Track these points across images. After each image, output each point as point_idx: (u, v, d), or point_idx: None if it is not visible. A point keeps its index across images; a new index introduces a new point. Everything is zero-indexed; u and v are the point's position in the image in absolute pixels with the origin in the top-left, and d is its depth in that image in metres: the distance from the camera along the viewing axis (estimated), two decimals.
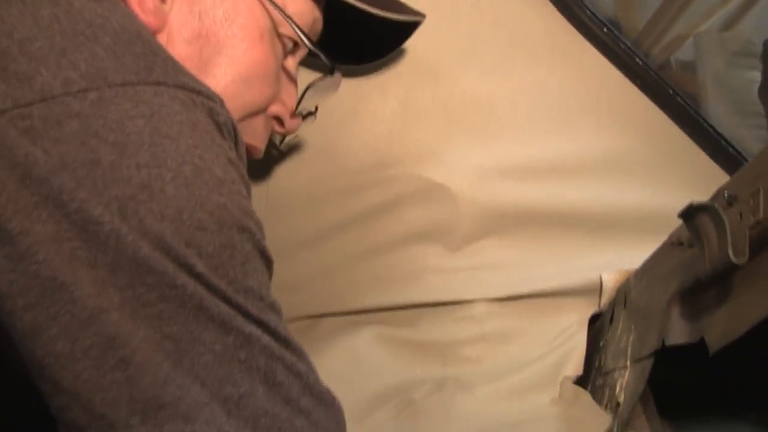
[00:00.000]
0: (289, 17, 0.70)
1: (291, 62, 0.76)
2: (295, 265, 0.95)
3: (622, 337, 0.78)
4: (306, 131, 0.89)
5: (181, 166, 0.47)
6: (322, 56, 0.73)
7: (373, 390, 0.83)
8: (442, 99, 0.94)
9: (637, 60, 0.92)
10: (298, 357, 0.51)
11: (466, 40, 0.94)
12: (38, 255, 0.44)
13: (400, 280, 0.93)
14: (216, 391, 0.46)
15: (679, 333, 0.66)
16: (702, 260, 0.59)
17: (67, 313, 0.44)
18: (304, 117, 0.82)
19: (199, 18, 0.65)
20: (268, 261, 0.53)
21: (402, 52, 0.93)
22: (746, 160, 0.89)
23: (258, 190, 0.95)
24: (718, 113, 1.03)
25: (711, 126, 0.93)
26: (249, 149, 0.74)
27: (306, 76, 0.77)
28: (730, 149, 0.91)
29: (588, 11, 0.92)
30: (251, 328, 0.48)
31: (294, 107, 0.76)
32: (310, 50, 0.74)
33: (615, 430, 0.73)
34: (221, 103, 0.53)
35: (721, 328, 0.59)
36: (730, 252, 0.55)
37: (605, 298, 0.87)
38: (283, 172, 0.96)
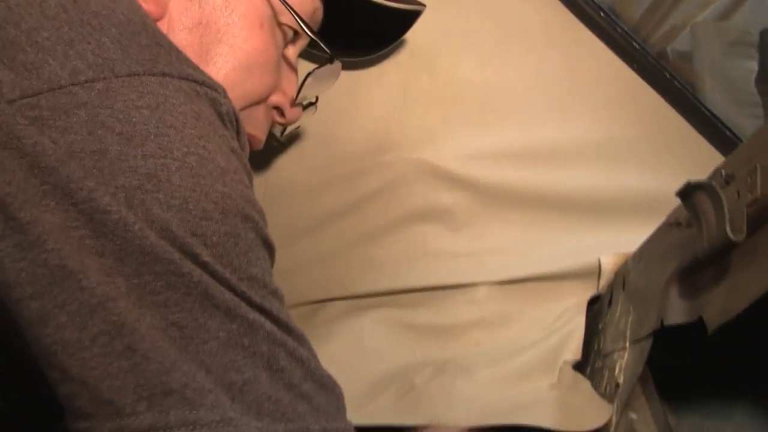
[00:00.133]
0: (289, 6, 0.70)
1: (291, 51, 0.76)
2: (295, 252, 0.96)
3: (621, 319, 0.79)
4: (303, 118, 0.89)
5: (186, 156, 0.48)
6: (322, 45, 0.73)
7: (375, 374, 0.84)
8: (439, 85, 0.95)
9: (635, 44, 0.92)
10: (300, 343, 0.52)
11: (463, 26, 0.94)
12: (47, 244, 0.45)
13: (399, 264, 0.93)
14: (220, 377, 0.47)
15: (677, 313, 0.66)
16: (700, 239, 0.59)
17: (75, 301, 0.45)
18: (305, 107, 0.82)
19: (199, 6, 0.65)
20: (270, 249, 0.54)
21: (399, 39, 0.93)
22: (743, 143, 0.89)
23: (257, 179, 0.95)
24: (716, 103, 1.03)
25: (708, 110, 0.93)
26: (250, 140, 0.74)
27: (306, 67, 0.77)
28: (727, 132, 0.91)
29: None
30: (254, 316, 0.49)
31: (294, 96, 0.77)
32: (310, 40, 0.74)
33: (615, 411, 0.73)
34: (224, 93, 0.53)
35: (719, 306, 0.59)
36: (728, 230, 0.55)
37: (604, 281, 0.87)
38: (281, 159, 0.96)
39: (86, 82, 0.47)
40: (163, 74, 0.50)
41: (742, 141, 0.90)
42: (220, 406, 0.46)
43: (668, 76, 0.92)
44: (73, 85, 0.47)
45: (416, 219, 0.94)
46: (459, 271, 0.91)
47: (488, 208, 0.92)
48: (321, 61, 0.76)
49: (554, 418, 0.74)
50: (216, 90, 0.52)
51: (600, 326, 0.85)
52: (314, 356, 0.53)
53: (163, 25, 0.64)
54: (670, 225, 0.71)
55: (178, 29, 0.64)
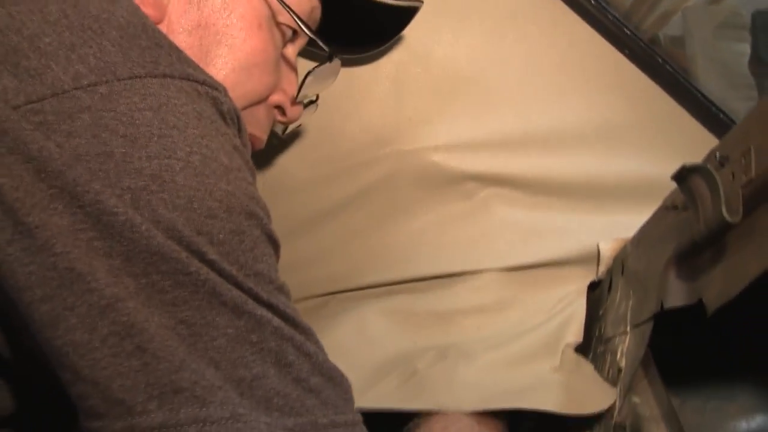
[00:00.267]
0: (286, 5, 0.70)
1: (291, 51, 0.76)
2: (297, 246, 0.96)
3: (621, 304, 0.79)
4: (302, 115, 0.90)
5: (190, 156, 0.48)
6: (321, 43, 0.74)
7: (378, 360, 0.84)
8: (432, 77, 0.95)
9: (626, 30, 0.93)
10: (307, 337, 0.52)
11: (455, 17, 0.94)
12: (56, 247, 0.45)
13: (400, 255, 0.94)
14: (229, 373, 0.47)
15: (676, 295, 0.67)
16: (696, 221, 0.60)
17: (85, 303, 0.45)
18: (306, 105, 0.82)
19: (198, 8, 0.65)
20: (275, 245, 0.54)
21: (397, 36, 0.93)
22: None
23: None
24: (710, 87, 1.03)
25: (701, 93, 0.94)
26: (251, 140, 0.74)
27: (306, 66, 0.77)
28: (721, 115, 0.92)
29: None
30: (262, 311, 0.49)
31: (295, 95, 0.77)
32: (309, 38, 0.74)
33: (618, 395, 0.74)
34: (225, 92, 0.54)
35: (718, 287, 0.60)
36: (724, 211, 0.56)
37: (603, 267, 0.88)
38: (278, 155, 0.97)
39: (89, 86, 0.47)
40: (165, 75, 0.50)
41: (735, 123, 0.91)
42: (230, 403, 0.46)
43: (660, 60, 0.93)
44: (76, 89, 0.47)
45: (414, 211, 0.94)
46: (460, 259, 0.92)
47: (486, 196, 0.93)
48: (321, 60, 0.76)
49: (557, 402, 0.75)
50: (217, 89, 0.53)
51: (600, 312, 0.86)
52: (322, 350, 0.53)
53: (162, 28, 0.64)
54: (667, 209, 0.72)
55: (178, 32, 0.65)
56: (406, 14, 0.87)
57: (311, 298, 0.97)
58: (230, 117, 0.54)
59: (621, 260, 0.84)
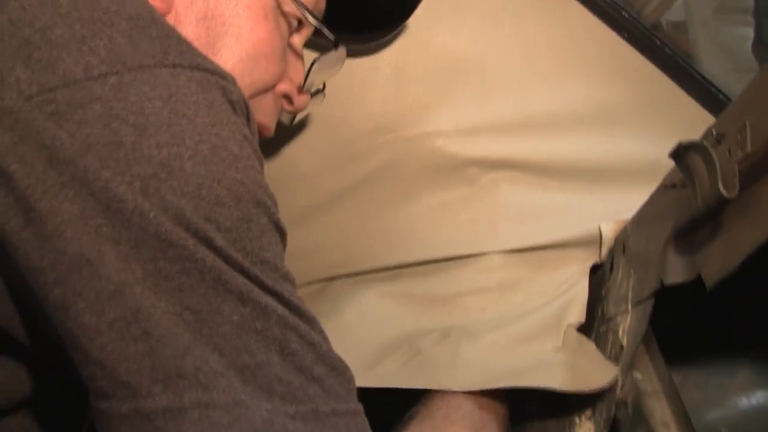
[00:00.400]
0: None
1: (297, 40, 0.77)
2: (300, 234, 0.97)
3: (623, 284, 0.80)
4: None
5: (199, 145, 0.49)
6: (326, 32, 0.74)
7: (381, 340, 0.85)
8: (432, 63, 0.96)
9: (624, 14, 0.94)
10: (311, 326, 0.52)
11: (454, 5, 0.95)
12: (66, 233, 0.46)
13: (403, 240, 0.95)
14: (233, 360, 0.48)
15: (676, 272, 0.68)
16: (694, 198, 0.61)
17: (93, 288, 0.46)
18: (313, 94, 0.83)
19: None
20: (282, 233, 0.54)
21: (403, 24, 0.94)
22: None
23: None
24: (713, 71, 1.04)
25: (700, 74, 0.95)
26: (260, 128, 0.75)
27: (311, 57, 0.78)
28: (720, 96, 0.92)
29: None
30: (267, 299, 0.50)
31: (302, 84, 0.78)
32: (315, 28, 0.75)
33: (620, 372, 0.75)
34: (233, 81, 0.54)
35: (716, 262, 0.61)
36: (721, 186, 0.57)
37: (605, 249, 0.89)
38: (280, 145, 0.98)
39: (100, 76, 0.48)
40: (174, 65, 0.51)
41: None
42: (232, 389, 0.47)
43: (659, 42, 0.94)
44: (87, 80, 0.48)
45: (416, 197, 0.95)
46: (462, 243, 0.93)
47: (487, 179, 0.94)
48: (327, 49, 0.77)
49: (560, 380, 0.75)
50: (225, 78, 0.53)
51: (603, 292, 0.87)
52: (325, 339, 0.54)
53: (169, 20, 0.65)
54: (666, 187, 0.73)
55: (185, 23, 0.65)
56: (410, 2, 0.88)
57: (314, 283, 0.98)
58: (239, 106, 0.54)
59: (622, 241, 0.85)
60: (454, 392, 0.76)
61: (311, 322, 0.53)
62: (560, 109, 0.95)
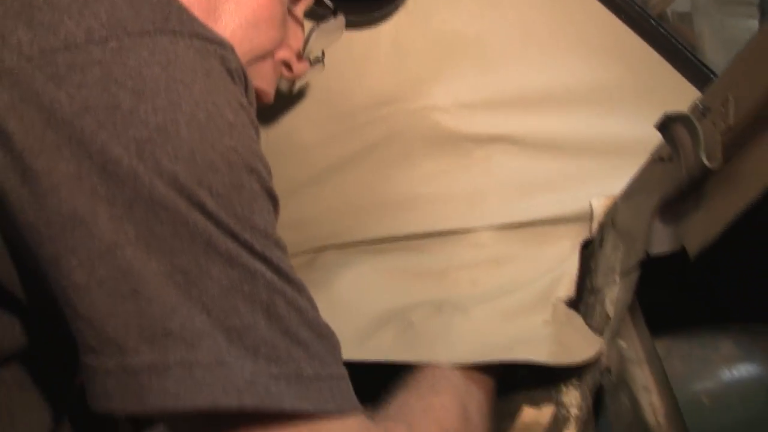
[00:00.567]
0: None
1: (298, 7, 0.78)
2: (295, 204, 0.99)
3: (611, 256, 0.82)
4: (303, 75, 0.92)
5: (195, 111, 0.50)
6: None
7: (373, 314, 0.86)
8: (431, 38, 0.97)
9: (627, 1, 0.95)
10: (299, 292, 0.53)
11: None
12: (61, 192, 0.47)
13: (397, 213, 0.97)
14: (221, 321, 0.49)
15: (661, 243, 0.70)
16: (679, 169, 0.63)
17: (85, 246, 0.48)
18: (312, 63, 0.85)
19: None
20: (274, 201, 0.55)
21: None
22: None
23: None
24: (718, 63, 1.05)
25: (694, 55, 0.96)
26: (259, 94, 0.76)
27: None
28: (712, 76, 0.94)
29: None
30: (256, 264, 0.51)
31: (301, 50, 0.79)
32: None
33: (606, 341, 0.77)
34: (232, 50, 0.55)
35: (698, 232, 0.63)
36: (704, 157, 0.59)
37: (596, 224, 0.90)
38: (278, 117, 0.99)
39: (100, 40, 0.49)
40: (174, 32, 0.52)
41: None
42: (217, 349, 0.48)
43: (653, 23, 0.95)
44: (88, 43, 0.49)
45: (414, 169, 0.97)
46: (455, 217, 0.95)
47: (482, 154, 0.95)
48: (326, 18, 0.78)
49: (548, 353, 0.77)
50: (224, 47, 0.54)
51: (592, 266, 0.88)
52: (313, 305, 0.55)
53: None
54: (654, 161, 0.75)
55: None
56: None
57: (305, 254, 1.00)
58: (237, 75, 0.55)
59: (611, 215, 0.86)
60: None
61: (299, 288, 0.54)
62: (557, 87, 0.96)
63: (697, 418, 0.75)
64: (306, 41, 0.78)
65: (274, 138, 0.99)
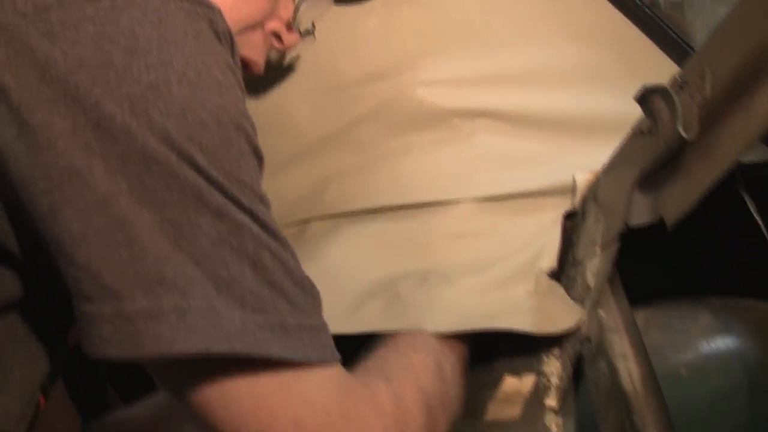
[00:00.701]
0: None
1: None
2: (284, 176, 1.01)
3: (593, 229, 0.83)
4: (292, 50, 0.93)
5: (186, 69, 0.52)
6: None
7: (361, 286, 0.88)
8: (419, 16, 0.99)
9: None
10: (283, 246, 0.55)
11: None
12: (57, 146, 0.49)
13: (382, 184, 0.98)
14: (210, 271, 0.51)
15: (640, 214, 0.71)
16: (657, 140, 0.64)
17: (82, 197, 0.49)
18: (303, 35, 0.86)
19: None
20: (260, 158, 0.57)
21: None
22: None
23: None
24: None
25: (677, 35, 0.97)
26: (249, 64, 0.78)
27: None
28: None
29: None
30: (243, 218, 0.53)
31: (291, 21, 0.80)
32: None
33: (586, 311, 0.78)
34: (219, 13, 0.56)
35: (676, 202, 0.64)
36: (680, 128, 0.60)
37: (578, 197, 0.91)
38: (267, 90, 1.00)
39: None
40: None
41: None
42: (208, 296, 0.50)
43: (639, 2, 0.96)
44: (81, 0, 0.50)
45: (399, 143, 0.98)
46: (440, 189, 0.96)
47: (469, 129, 0.97)
48: None
49: (530, 322, 0.78)
50: (212, 10, 0.56)
51: (574, 239, 0.90)
52: (295, 260, 0.56)
53: None
54: (635, 134, 0.76)
55: None
56: None
57: (296, 224, 1.02)
58: (224, 37, 0.56)
59: (594, 189, 0.88)
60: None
61: (283, 243, 0.56)
62: (541, 66, 0.98)
63: (675, 388, 0.77)
64: (296, 12, 0.79)
65: (263, 112, 1.00)
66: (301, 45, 0.85)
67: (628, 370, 0.70)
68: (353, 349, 0.66)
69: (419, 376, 0.66)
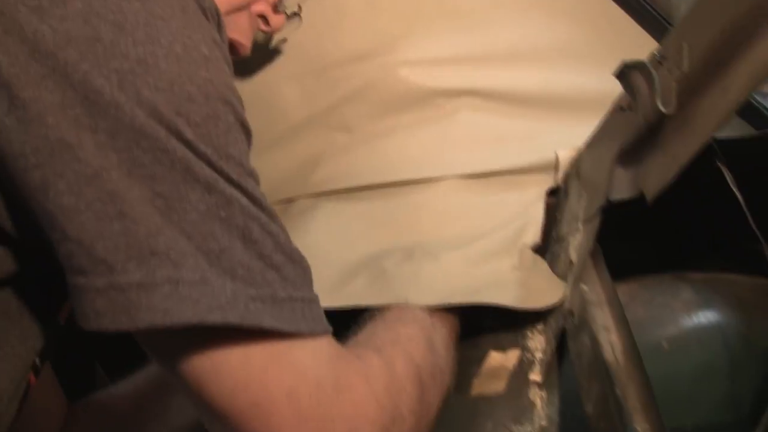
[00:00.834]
0: None
1: None
2: (269, 156, 1.01)
3: (575, 205, 0.84)
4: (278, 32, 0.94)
5: (173, 44, 0.52)
6: None
7: (347, 262, 0.89)
8: None
9: None
10: (273, 220, 0.56)
11: None
12: (47, 120, 0.50)
13: (368, 163, 0.99)
14: (200, 244, 0.52)
15: (621, 188, 0.72)
16: (637, 115, 0.65)
17: (73, 170, 0.50)
18: (289, 17, 0.86)
19: None
20: (247, 132, 0.58)
21: None
22: None
23: None
24: None
25: (660, 14, 0.98)
26: (236, 46, 0.78)
27: None
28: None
29: None
30: (231, 191, 0.53)
31: (276, 3, 0.80)
32: None
33: (569, 285, 0.79)
34: None
35: (656, 176, 0.65)
36: (659, 103, 0.61)
37: (561, 173, 0.92)
38: (253, 72, 1.01)
39: None
40: None
41: None
42: (200, 268, 0.51)
43: None
44: None
45: (383, 121, 0.99)
46: (424, 166, 0.97)
47: (452, 108, 0.98)
48: None
49: (514, 297, 0.79)
50: None
51: (558, 216, 0.91)
52: (285, 232, 0.57)
53: None
54: (615, 110, 0.77)
55: None
56: None
57: (280, 203, 1.03)
58: (211, 13, 0.57)
59: (576, 165, 0.89)
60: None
61: (272, 215, 0.56)
62: (525, 45, 0.99)
63: (657, 361, 0.78)
64: None
65: (249, 93, 1.01)
66: (288, 27, 0.85)
67: (611, 342, 0.71)
68: (342, 325, 0.67)
69: (409, 349, 0.67)
